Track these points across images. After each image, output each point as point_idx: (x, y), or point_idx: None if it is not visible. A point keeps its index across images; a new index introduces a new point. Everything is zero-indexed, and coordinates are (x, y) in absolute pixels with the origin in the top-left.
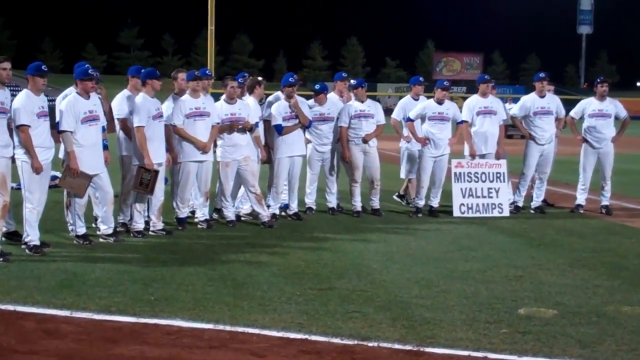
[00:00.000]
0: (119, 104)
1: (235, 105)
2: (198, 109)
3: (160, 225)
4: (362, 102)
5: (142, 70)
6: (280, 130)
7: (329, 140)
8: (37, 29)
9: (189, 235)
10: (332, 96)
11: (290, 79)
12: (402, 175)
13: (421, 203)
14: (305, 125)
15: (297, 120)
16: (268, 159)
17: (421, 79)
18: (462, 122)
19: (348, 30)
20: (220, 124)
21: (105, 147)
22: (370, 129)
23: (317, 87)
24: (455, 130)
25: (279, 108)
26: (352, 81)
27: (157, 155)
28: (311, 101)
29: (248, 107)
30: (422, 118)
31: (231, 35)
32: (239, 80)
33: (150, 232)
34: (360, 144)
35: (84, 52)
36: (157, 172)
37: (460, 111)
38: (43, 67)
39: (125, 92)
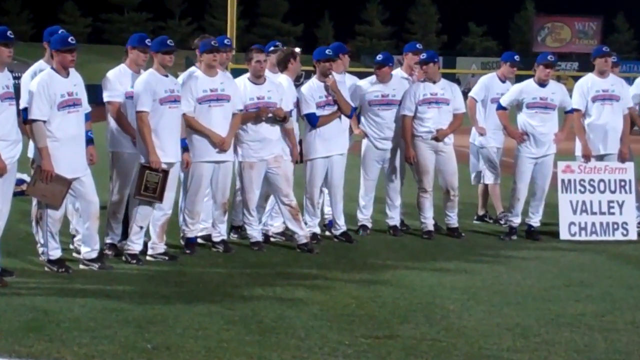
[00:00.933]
0: (112, 83)
1: (263, 85)
2: (214, 90)
3: (161, 248)
4: (434, 82)
5: (147, 40)
6: (314, 121)
7: (393, 133)
8: None
9: (200, 262)
10: (398, 73)
11: (327, 51)
12: (473, 180)
13: (516, 221)
14: (346, 115)
15: (335, 107)
16: (300, 158)
17: (517, 57)
18: (572, 110)
19: None
20: (243, 112)
21: (89, 141)
22: (444, 120)
23: (379, 57)
24: (564, 121)
25: (312, 90)
26: (421, 55)
27: (167, 151)
28: (372, 77)
29: (280, 89)
30: (518, 105)
31: None
32: (269, 51)
33: (147, 257)
34: (429, 140)
35: (61, 14)
36: (165, 172)
37: (570, 96)
38: (9, 33)
39: (123, 68)
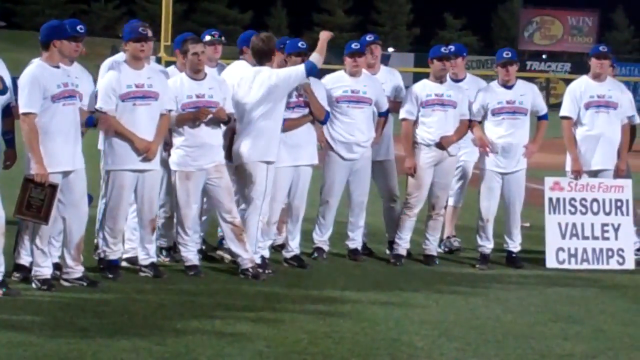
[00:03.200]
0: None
1: (203, 82)
2: (140, 86)
3: (78, 272)
4: (442, 82)
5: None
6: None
7: (365, 139)
8: None
9: (125, 289)
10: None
11: (300, 45)
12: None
13: (488, 246)
14: (320, 120)
15: (306, 111)
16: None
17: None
18: (546, 116)
19: None
20: (176, 112)
21: (7, 143)
22: (449, 126)
23: (353, 45)
24: (536, 130)
25: None
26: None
27: (62, 158)
28: (341, 72)
29: (224, 86)
30: (484, 113)
31: None
32: (205, 42)
33: (62, 282)
34: (432, 148)
35: None
36: (53, 187)
37: (552, 101)
38: None
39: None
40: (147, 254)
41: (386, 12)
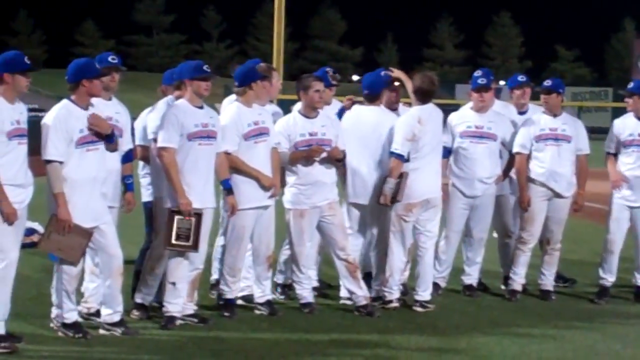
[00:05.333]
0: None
1: (316, 120)
2: (257, 123)
3: (190, 309)
4: (556, 116)
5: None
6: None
7: (487, 175)
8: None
9: (241, 327)
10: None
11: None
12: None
13: (609, 279)
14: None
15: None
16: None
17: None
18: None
19: (492, 1)
20: (289, 150)
21: (128, 187)
22: (565, 160)
23: (480, 80)
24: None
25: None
26: (519, 78)
27: (195, 196)
28: (467, 107)
29: (336, 124)
30: (617, 146)
31: (311, 10)
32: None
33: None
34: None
35: (78, 35)
36: (198, 215)
37: None
38: (25, 59)
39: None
40: (263, 291)
41: (497, 45)
